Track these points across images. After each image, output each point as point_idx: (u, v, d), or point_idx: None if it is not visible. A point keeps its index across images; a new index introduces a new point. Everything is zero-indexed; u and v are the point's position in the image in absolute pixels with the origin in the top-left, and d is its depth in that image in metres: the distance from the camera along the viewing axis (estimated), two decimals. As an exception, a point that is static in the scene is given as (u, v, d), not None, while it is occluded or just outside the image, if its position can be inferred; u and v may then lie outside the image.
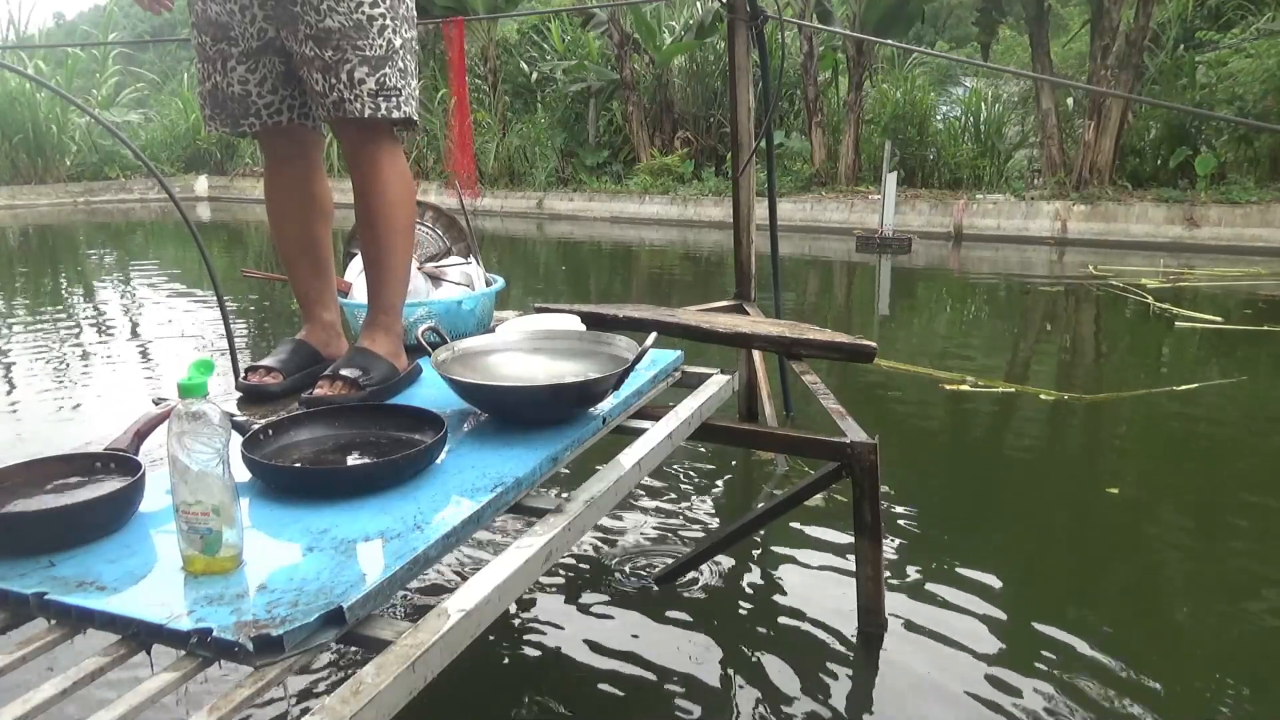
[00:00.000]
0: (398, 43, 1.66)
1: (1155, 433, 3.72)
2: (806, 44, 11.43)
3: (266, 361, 1.74)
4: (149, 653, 0.98)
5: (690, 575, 2.39)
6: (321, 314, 1.89)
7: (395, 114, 1.67)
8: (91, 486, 1.21)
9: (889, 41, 10.36)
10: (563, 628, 2.14)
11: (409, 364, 1.81)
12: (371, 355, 1.72)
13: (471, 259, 2.39)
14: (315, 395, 1.62)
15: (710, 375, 1.95)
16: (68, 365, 4.78)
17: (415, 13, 1.75)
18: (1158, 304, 5.99)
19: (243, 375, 1.75)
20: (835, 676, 1.96)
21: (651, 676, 1.96)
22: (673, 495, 2.95)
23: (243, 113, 1.73)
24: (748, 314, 3.23)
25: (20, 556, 1.08)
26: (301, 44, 1.62)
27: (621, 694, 1.92)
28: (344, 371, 1.66)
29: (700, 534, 2.66)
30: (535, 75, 15.10)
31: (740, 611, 2.28)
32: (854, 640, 2.09)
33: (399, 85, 1.67)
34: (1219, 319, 5.48)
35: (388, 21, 1.64)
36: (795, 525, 2.67)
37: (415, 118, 1.73)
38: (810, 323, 2.63)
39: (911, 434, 3.68)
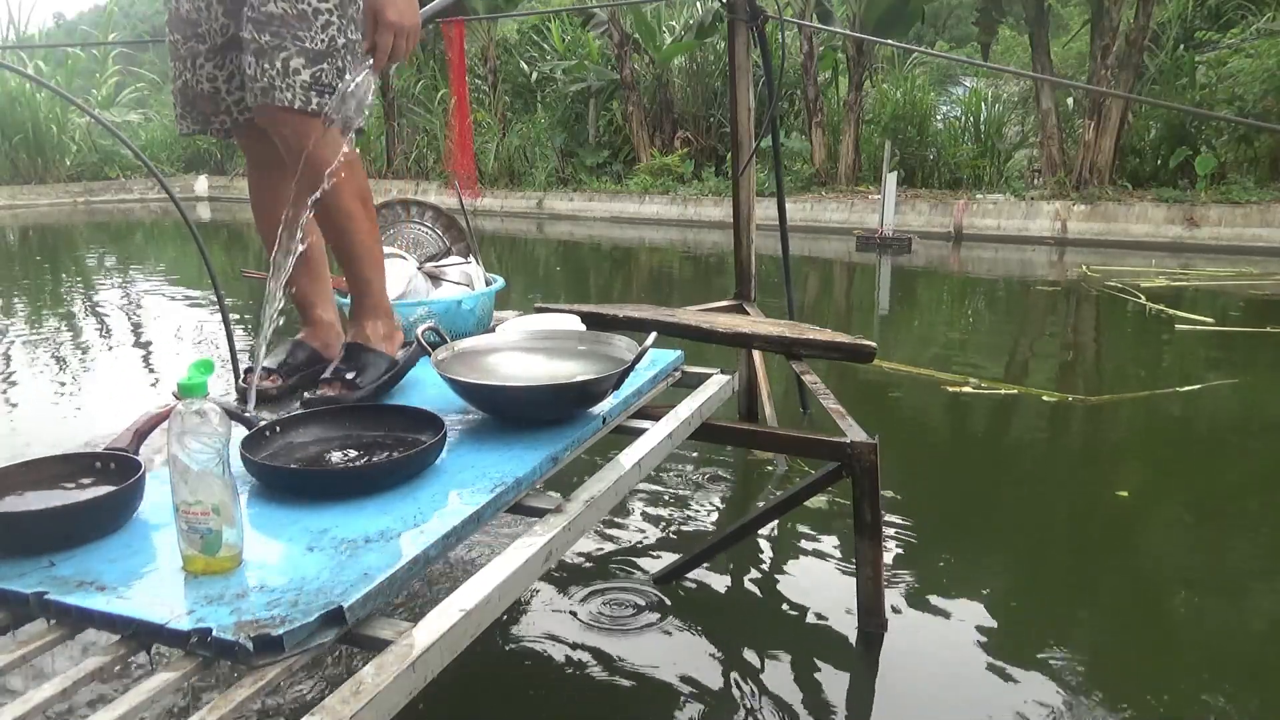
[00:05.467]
0: (341, 42, 1.60)
1: (1159, 434, 3.71)
2: (806, 44, 11.42)
3: (265, 363, 1.74)
4: (149, 653, 0.98)
5: (690, 575, 2.38)
6: (319, 314, 1.88)
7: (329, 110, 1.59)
8: (91, 486, 1.21)
9: (889, 41, 10.35)
10: (562, 628, 2.14)
11: (404, 343, 1.78)
12: (365, 350, 1.71)
13: (471, 259, 2.39)
14: (317, 396, 1.63)
15: (710, 375, 1.95)
16: (68, 365, 4.78)
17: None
18: (1152, 305, 5.98)
19: (242, 377, 1.74)
20: (835, 676, 1.96)
21: (651, 677, 1.96)
22: (673, 495, 2.95)
23: (213, 110, 1.71)
24: (748, 314, 3.23)
25: (20, 556, 1.08)
26: (244, 29, 1.57)
27: (621, 694, 1.92)
28: (346, 374, 1.66)
29: (700, 534, 2.66)
30: (535, 75, 15.10)
31: (740, 611, 2.28)
32: (854, 640, 2.09)
33: (336, 84, 1.59)
34: (1210, 319, 5.48)
35: (333, 19, 1.58)
36: (795, 525, 2.67)
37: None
38: (810, 323, 2.63)
39: (912, 434, 3.68)
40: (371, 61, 1.45)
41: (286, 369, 1.74)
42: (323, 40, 1.58)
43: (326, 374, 1.68)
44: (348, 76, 1.39)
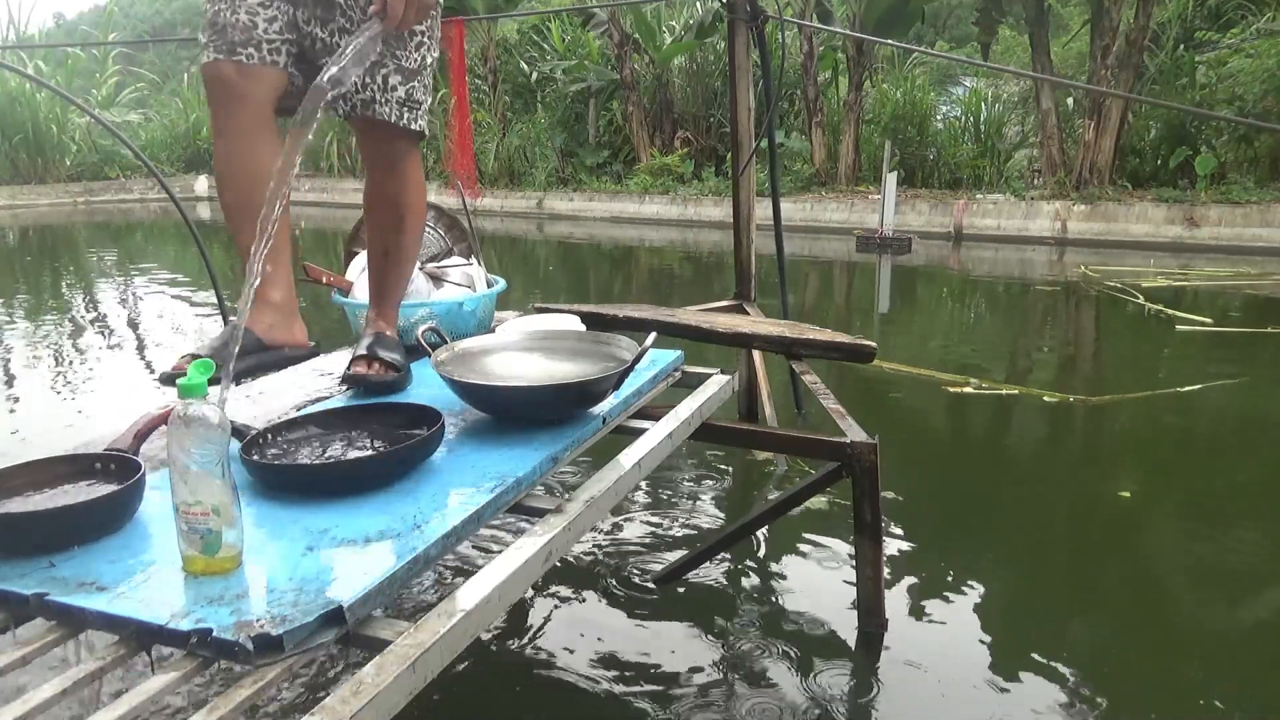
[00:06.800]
0: (428, 60, 1.72)
1: (1160, 434, 3.71)
2: (806, 44, 11.42)
3: (196, 349, 1.57)
4: (149, 653, 0.98)
5: (690, 575, 2.38)
6: (270, 293, 1.72)
7: (414, 126, 1.74)
8: (91, 486, 1.21)
9: (889, 41, 10.35)
10: (562, 628, 2.14)
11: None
12: (395, 341, 1.79)
13: (473, 260, 2.39)
14: (353, 374, 1.66)
15: (710, 375, 1.95)
16: (68, 366, 4.78)
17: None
18: (1152, 305, 5.98)
19: (172, 365, 1.53)
20: (835, 676, 1.96)
21: (651, 677, 1.96)
22: (673, 495, 2.95)
23: (243, 41, 1.61)
24: (748, 314, 3.23)
25: (20, 556, 1.08)
26: (334, 35, 1.63)
27: (621, 694, 1.92)
28: (383, 354, 1.71)
29: (700, 534, 2.66)
30: (535, 75, 15.10)
31: (740, 612, 2.28)
32: (854, 640, 2.10)
33: (421, 100, 1.74)
34: (1210, 320, 5.48)
35: (425, 39, 1.70)
36: (795, 525, 2.67)
37: (426, 132, 1.80)
38: (810, 323, 2.63)
39: (912, 435, 3.68)
40: (378, 26, 1.44)
41: (218, 357, 1.47)
42: (416, 59, 1.70)
43: (360, 351, 1.71)
44: (352, 34, 1.39)
